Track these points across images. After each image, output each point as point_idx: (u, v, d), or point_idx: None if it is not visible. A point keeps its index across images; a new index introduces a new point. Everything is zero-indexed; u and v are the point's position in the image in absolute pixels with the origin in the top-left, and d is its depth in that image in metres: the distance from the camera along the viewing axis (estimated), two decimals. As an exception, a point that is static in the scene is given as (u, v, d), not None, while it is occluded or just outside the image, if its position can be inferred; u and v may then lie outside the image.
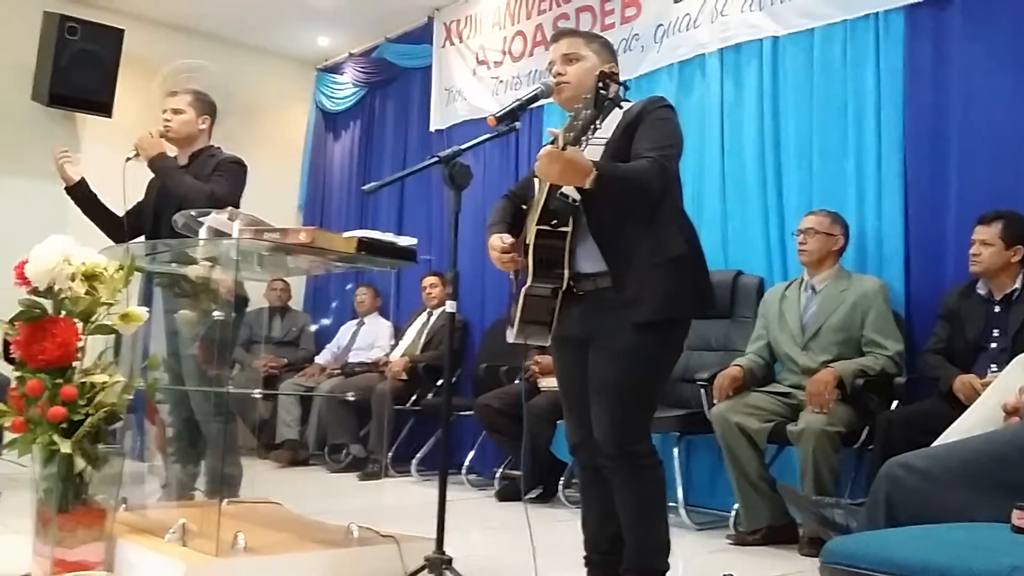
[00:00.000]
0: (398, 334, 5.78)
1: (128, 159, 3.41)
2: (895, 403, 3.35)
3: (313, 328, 6.42)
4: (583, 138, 1.96)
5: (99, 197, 3.57)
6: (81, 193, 3.56)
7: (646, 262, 2.20)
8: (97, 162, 6.00)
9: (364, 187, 2.24)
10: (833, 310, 3.50)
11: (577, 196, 2.16)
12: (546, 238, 2.22)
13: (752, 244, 4.14)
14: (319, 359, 6.01)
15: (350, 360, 5.80)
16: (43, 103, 5.68)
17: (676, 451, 3.78)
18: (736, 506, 3.53)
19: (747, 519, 3.44)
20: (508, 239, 2.35)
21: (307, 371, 5.89)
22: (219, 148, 3.53)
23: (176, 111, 3.47)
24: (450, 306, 2.29)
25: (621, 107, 2.27)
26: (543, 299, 2.27)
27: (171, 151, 3.48)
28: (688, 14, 4.53)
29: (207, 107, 3.54)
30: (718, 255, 4.14)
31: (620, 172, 2.15)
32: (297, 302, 6.72)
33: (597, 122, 1.95)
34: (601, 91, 1.92)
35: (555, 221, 2.20)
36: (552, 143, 2.03)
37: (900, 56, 3.70)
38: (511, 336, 2.39)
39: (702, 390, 3.65)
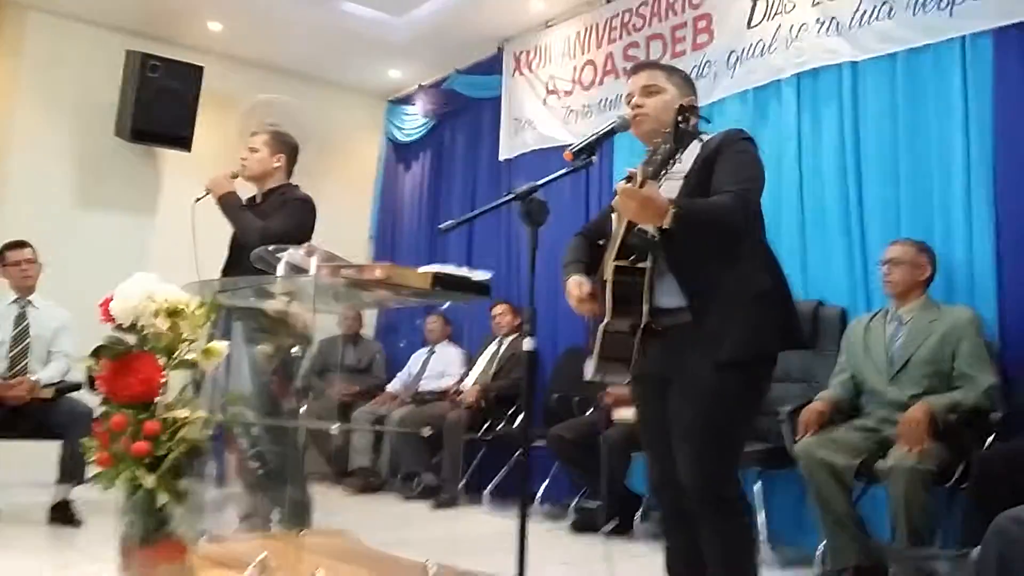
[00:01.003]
0: (468, 362, 5.77)
1: (198, 199, 3.50)
2: (990, 440, 3.19)
3: (384, 356, 6.45)
4: (662, 173, 1.92)
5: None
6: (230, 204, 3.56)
7: (729, 299, 2.14)
8: (177, 196, 6.20)
9: (440, 226, 2.22)
10: (922, 342, 3.36)
11: (655, 232, 2.12)
12: (624, 274, 2.18)
13: (833, 274, 4.03)
14: (390, 387, 6.03)
15: (421, 388, 5.81)
16: (126, 139, 5.87)
17: (756, 487, 3.67)
18: (823, 544, 3.40)
19: (833, 558, 3.30)
20: (587, 287, 2.31)
21: (379, 399, 5.91)
22: (296, 186, 3.59)
23: (252, 149, 3.56)
24: (528, 343, 2.25)
25: (700, 139, 2.23)
26: (622, 335, 2.22)
27: (249, 189, 3.56)
28: (762, 40, 4.46)
29: (283, 146, 3.63)
30: (797, 285, 4.00)
31: (700, 209, 2.10)
32: (369, 330, 6.77)
33: (677, 156, 1.91)
34: (681, 125, 1.88)
35: (633, 257, 2.16)
36: (629, 179, 2.00)
37: (989, 79, 3.57)
38: (589, 373, 2.35)
39: (784, 424, 3.54)
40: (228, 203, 3.48)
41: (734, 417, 2.19)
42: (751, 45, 4.51)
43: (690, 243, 2.10)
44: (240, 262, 3.35)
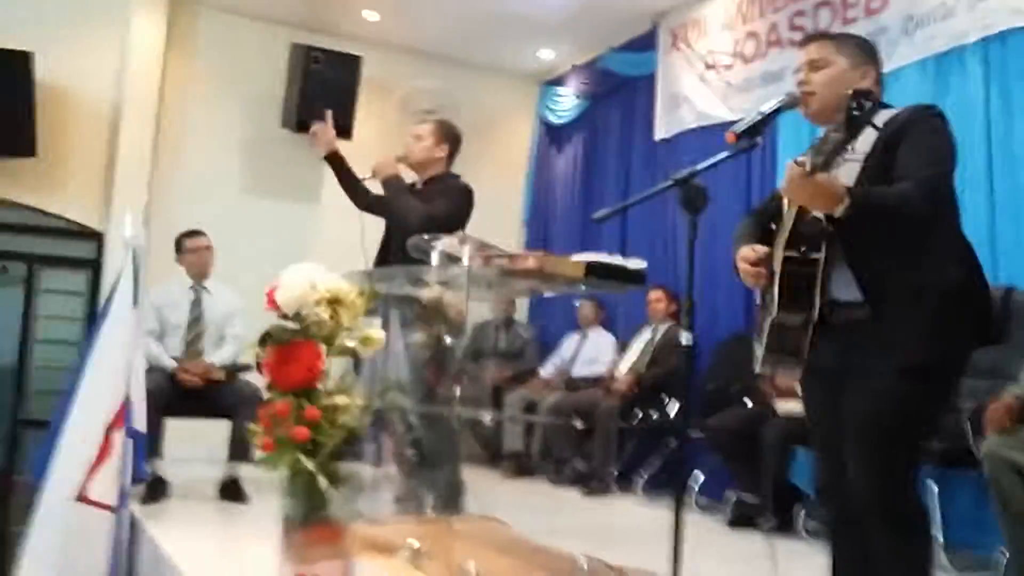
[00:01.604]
0: (621, 348, 5.67)
1: (364, 179, 3.58)
2: None
3: (537, 341, 6.44)
4: (832, 163, 1.76)
5: (351, 169, 3.80)
6: (337, 163, 3.77)
7: (912, 295, 1.96)
8: (339, 185, 6.40)
9: (595, 215, 2.14)
10: None
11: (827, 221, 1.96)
12: (795, 264, 2.03)
13: (1026, 256, 3.67)
14: (543, 372, 6.02)
15: (573, 374, 5.76)
16: (291, 129, 6.10)
17: (934, 486, 3.40)
18: (1004, 552, 3.11)
19: (1017, 570, 3.02)
20: (762, 248, 2.17)
21: (531, 384, 5.91)
22: (457, 176, 3.61)
23: (417, 137, 3.60)
24: (685, 338, 2.14)
25: (876, 127, 2.03)
26: (792, 329, 2.08)
27: (409, 176, 3.60)
28: (943, 2, 4.10)
29: (447, 136, 3.65)
30: (986, 271, 3.68)
31: (877, 199, 1.92)
32: (521, 314, 6.79)
33: (849, 145, 1.75)
34: (854, 112, 1.71)
35: (804, 248, 2.01)
36: (799, 165, 1.84)
37: None
38: (758, 366, 2.22)
39: (966, 421, 3.26)
40: (392, 184, 3.53)
41: (913, 423, 2.02)
42: (931, 8, 4.15)
43: (867, 234, 1.93)
44: (395, 249, 3.40)
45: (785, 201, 2.14)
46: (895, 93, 4.12)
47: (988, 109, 3.87)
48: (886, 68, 4.23)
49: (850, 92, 1.76)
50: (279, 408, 2.50)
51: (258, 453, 2.53)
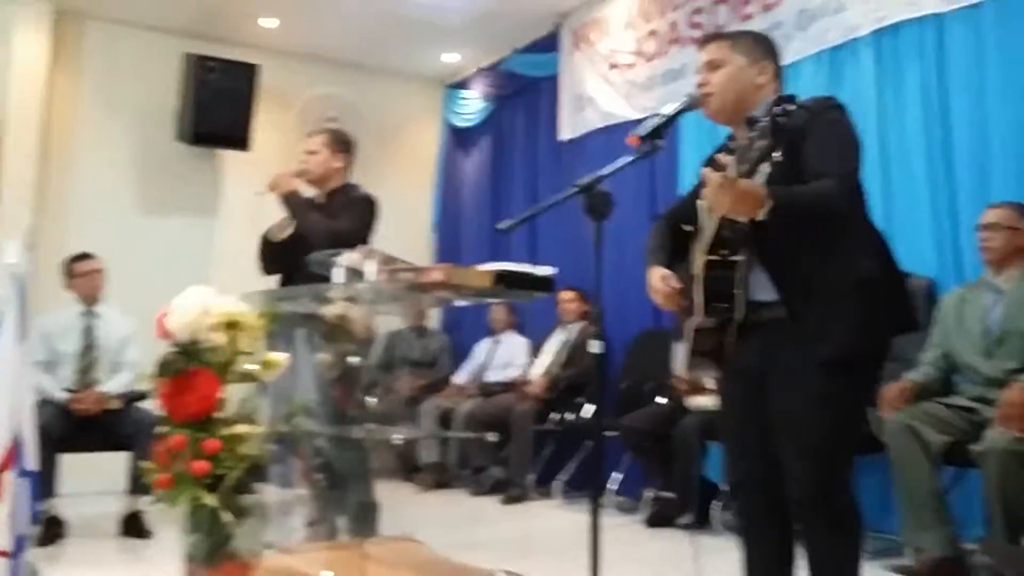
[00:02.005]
0: (534, 351, 5.63)
1: (258, 193, 3.44)
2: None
3: (450, 348, 6.36)
4: (756, 171, 1.72)
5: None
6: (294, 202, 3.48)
7: (830, 289, 1.96)
8: (238, 197, 6.20)
9: (499, 225, 2.08)
10: (1021, 313, 3.12)
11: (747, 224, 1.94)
12: (716, 268, 2.02)
13: (920, 244, 3.75)
14: (457, 379, 5.95)
15: (487, 380, 5.71)
16: (186, 142, 5.88)
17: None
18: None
19: (913, 546, 3.10)
20: (674, 283, 2.15)
21: (446, 392, 5.83)
22: (357, 186, 3.50)
23: (311, 152, 3.47)
24: (596, 346, 2.11)
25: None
26: (713, 331, 2.08)
27: (308, 192, 3.48)
28: (837, -5, 4.18)
29: (342, 145, 3.53)
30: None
31: (800, 199, 1.90)
32: (434, 322, 6.69)
33: (775, 154, 1.69)
34: (779, 118, 1.67)
35: (726, 251, 1.99)
36: (720, 171, 1.80)
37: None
38: (680, 370, 2.22)
39: (870, 407, 3.31)
40: (293, 201, 3.40)
41: (846, 418, 2.03)
42: (824, 2, 4.23)
43: (783, 233, 1.91)
44: (298, 265, 3.27)
45: (702, 205, 2.12)
46: (792, 86, 4.19)
47: (881, 100, 3.96)
48: (783, 61, 4.34)
49: (775, 98, 1.72)
50: (175, 442, 2.37)
51: (155, 491, 2.39)
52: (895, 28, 3.92)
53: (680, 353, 2.20)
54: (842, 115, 2.04)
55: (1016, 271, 3.22)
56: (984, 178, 3.57)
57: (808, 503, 2.00)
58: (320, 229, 3.27)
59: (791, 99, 1.72)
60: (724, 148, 2.29)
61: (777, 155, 1.68)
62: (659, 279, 2.17)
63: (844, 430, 2.03)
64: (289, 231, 3.35)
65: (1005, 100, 3.51)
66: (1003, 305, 3.19)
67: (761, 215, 1.82)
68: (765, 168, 1.70)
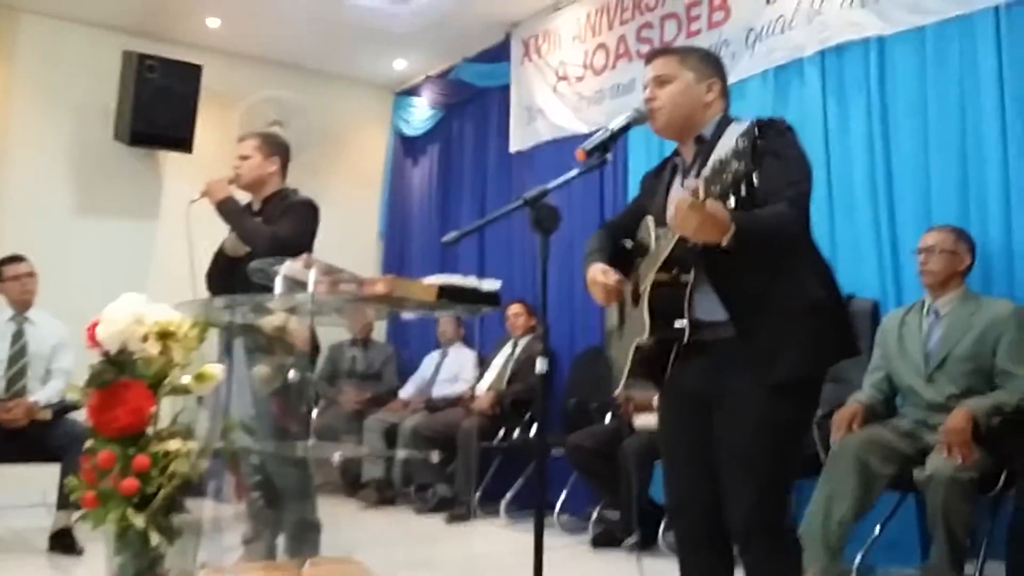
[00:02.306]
0: (482, 364, 5.58)
1: (193, 201, 3.32)
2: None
3: (395, 360, 6.26)
4: (730, 193, 1.68)
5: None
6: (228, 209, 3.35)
7: (779, 311, 1.95)
8: (179, 199, 6.01)
9: (444, 238, 2.04)
10: (960, 337, 3.16)
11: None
12: (665, 287, 2.00)
13: (863, 265, 3.81)
14: (402, 393, 5.85)
15: (434, 394, 5.63)
16: (125, 142, 5.71)
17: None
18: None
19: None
20: (614, 275, 2.14)
21: (391, 406, 5.72)
22: (294, 190, 3.40)
23: (243, 157, 3.37)
24: (540, 364, 2.07)
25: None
26: (653, 350, 2.05)
27: (243, 197, 3.37)
28: (782, 16, 4.22)
29: (275, 148, 3.42)
30: (827, 279, 3.80)
31: (760, 225, 1.88)
32: (379, 333, 6.60)
33: (754, 177, 1.65)
34: (759, 141, 1.63)
35: (676, 270, 1.98)
36: (693, 195, 1.74)
37: (1027, 51, 3.33)
38: (619, 388, 2.18)
39: (815, 427, 3.33)
40: (228, 208, 3.29)
41: (789, 441, 2.03)
42: (770, 21, 4.28)
43: (736, 254, 1.88)
44: (231, 272, 3.17)
45: (650, 225, 2.10)
46: (739, 105, 4.22)
47: (826, 119, 4.01)
48: (730, 80, 4.37)
49: (752, 121, 1.69)
50: (102, 458, 2.26)
51: (80, 511, 2.29)
52: (840, 49, 3.97)
53: (616, 372, 2.18)
54: (792, 136, 2.03)
55: (954, 294, 3.25)
56: (925, 199, 3.62)
57: (750, 527, 1.98)
58: (262, 235, 3.17)
59: (771, 123, 1.69)
60: (669, 164, 2.28)
61: (756, 179, 1.65)
62: (600, 272, 2.14)
63: (789, 454, 2.04)
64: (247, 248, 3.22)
65: (945, 122, 3.57)
66: (942, 329, 3.22)
67: (725, 240, 1.80)
68: (742, 191, 1.67)
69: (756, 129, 1.63)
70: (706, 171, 1.72)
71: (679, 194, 1.80)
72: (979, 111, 3.46)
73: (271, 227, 3.21)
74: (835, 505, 3.04)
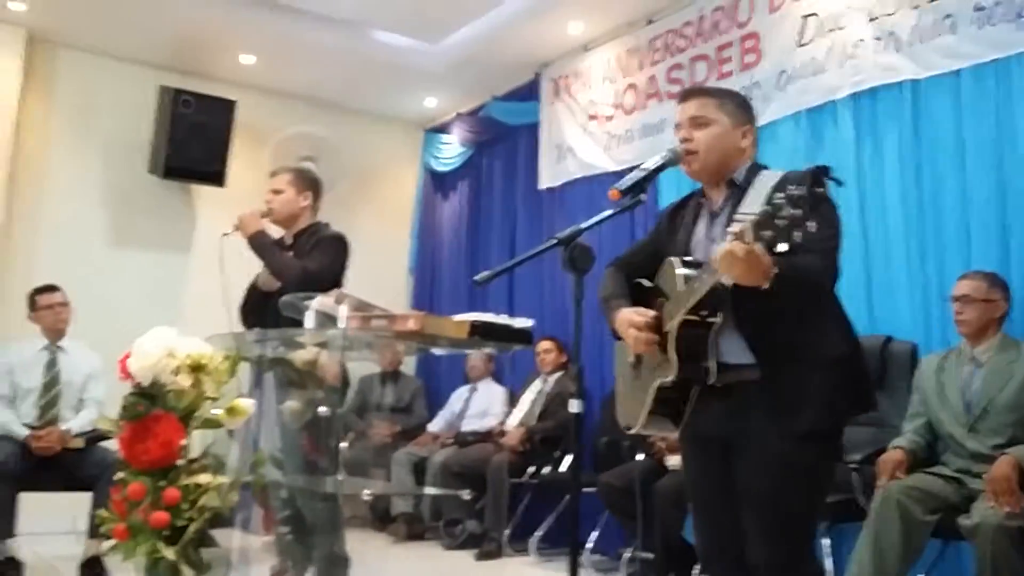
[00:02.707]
0: (512, 400, 5.55)
1: (225, 234, 3.35)
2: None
3: (425, 394, 6.26)
4: (784, 239, 1.65)
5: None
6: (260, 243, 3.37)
7: (804, 361, 1.96)
8: (212, 233, 6.07)
9: (476, 277, 2.05)
10: (1002, 386, 3.09)
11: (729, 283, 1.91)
12: (692, 327, 1.99)
13: (900, 307, 3.75)
14: (432, 427, 5.83)
15: (463, 428, 5.60)
16: (159, 176, 5.80)
17: (825, 541, 3.38)
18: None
19: None
20: (648, 312, 2.12)
21: (420, 440, 5.71)
22: (326, 224, 3.43)
23: (276, 191, 3.40)
24: (575, 406, 2.06)
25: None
26: (672, 391, 2.04)
27: (275, 232, 3.40)
28: (814, 58, 4.21)
29: (308, 183, 3.46)
30: (862, 320, 3.74)
31: (799, 272, 1.87)
32: (409, 366, 6.60)
33: (809, 224, 1.62)
34: (818, 190, 1.62)
35: (705, 312, 1.97)
36: (739, 238, 1.74)
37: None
38: (634, 427, 2.18)
39: (854, 473, 3.27)
40: (260, 243, 3.32)
41: (813, 491, 2.02)
42: (803, 64, 4.27)
43: (765, 299, 1.88)
44: (264, 306, 3.19)
45: (675, 261, 2.09)
46: (771, 147, 4.22)
47: (860, 161, 3.98)
48: (762, 121, 4.38)
49: (813, 169, 1.67)
50: (133, 490, 2.27)
51: (108, 544, 2.29)
52: (873, 91, 3.95)
53: (638, 411, 2.16)
54: (827, 192, 2.03)
55: (992, 341, 3.18)
56: (963, 242, 3.57)
57: (771, 573, 1.98)
58: (292, 268, 3.19)
59: (828, 170, 1.68)
60: (692, 204, 2.26)
61: (812, 226, 1.62)
62: (635, 314, 2.12)
63: (814, 501, 2.04)
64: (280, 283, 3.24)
65: (982, 165, 3.53)
66: (982, 378, 3.15)
67: (766, 284, 1.80)
68: (797, 237, 1.64)
69: (812, 178, 1.62)
70: (754, 216, 1.69)
71: (722, 237, 1.79)
72: (1017, 153, 3.42)
73: (301, 261, 3.23)
74: (882, 554, 2.97)
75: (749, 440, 1.99)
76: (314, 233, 3.38)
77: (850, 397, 2.03)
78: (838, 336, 2.03)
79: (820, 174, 1.64)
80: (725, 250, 1.76)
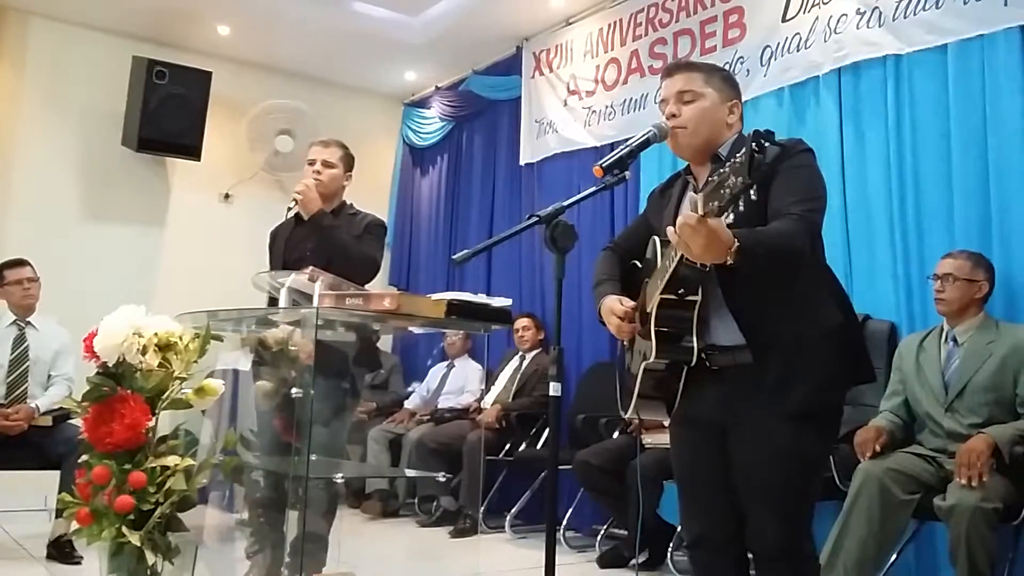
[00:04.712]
0: (489, 377, 5.52)
1: (290, 208, 3.24)
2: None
3: (401, 371, 6.21)
4: (730, 209, 1.61)
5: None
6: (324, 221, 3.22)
7: (795, 337, 1.91)
8: (186, 205, 6.02)
9: (454, 256, 1.98)
10: (980, 366, 3.08)
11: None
12: (671, 307, 1.93)
13: (881, 285, 3.73)
14: (408, 404, 5.80)
15: (440, 405, 5.57)
16: (133, 148, 5.67)
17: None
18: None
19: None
20: (629, 303, 2.10)
21: (396, 417, 5.68)
22: (352, 204, 3.33)
23: (327, 164, 3.25)
24: (554, 388, 2.02)
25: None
26: (663, 373, 2.00)
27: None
28: (798, 33, 4.16)
29: (351, 162, 3.34)
30: (841, 299, 3.72)
31: (765, 241, 1.81)
32: (386, 343, 6.54)
33: (751, 192, 1.58)
34: (757, 155, 1.56)
35: (682, 290, 1.92)
36: (692, 208, 1.69)
37: (1051, 73, 3.26)
38: (625, 411, 2.15)
39: (834, 451, 3.26)
40: (329, 223, 3.15)
41: (812, 469, 1.99)
42: (786, 39, 4.22)
43: (749, 276, 1.84)
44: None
45: (656, 242, 2.04)
46: (753, 122, 4.14)
47: (842, 137, 3.94)
48: (745, 97, 4.30)
49: (751, 133, 1.60)
50: (97, 473, 2.21)
51: (73, 525, 2.23)
52: (856, 67, 3.91)
53: (625, 394, 2.14)
54: (809, 158, 2.00)
55: (973, 321, 3.17)
56: (946, 221, 3.54)
57: (774, 555, 1.96)
58: (365, 259, 3.12)
59: (770, 135, 1.60)
60: (679, 181, 2.22)
61: (753, 193, 1.59)
62: (616, 301, 2.12)
63: (810, 482, 2.00)
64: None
65: (967, 143, 3.49)
66: (960, 357, 3.14)
67: (730, 259, 1.73)
68: (739, 206, 1.61)
69: (754, 143, 1.54)
70: (706, 187, 1.65)
71: (685, 212, 1.73)
72: (1001, 132, 3.38)
73: (370, 252, 3.16)
74: (861, 534, 2.96)
75: (745, 424, 1.95)
76: (353, 214, 3.27)
77: (847, 368, 1.99)
78: (831, 307, 1.97)
79: (757, 138, 1.55)
80: (679, 224, 1.71)
